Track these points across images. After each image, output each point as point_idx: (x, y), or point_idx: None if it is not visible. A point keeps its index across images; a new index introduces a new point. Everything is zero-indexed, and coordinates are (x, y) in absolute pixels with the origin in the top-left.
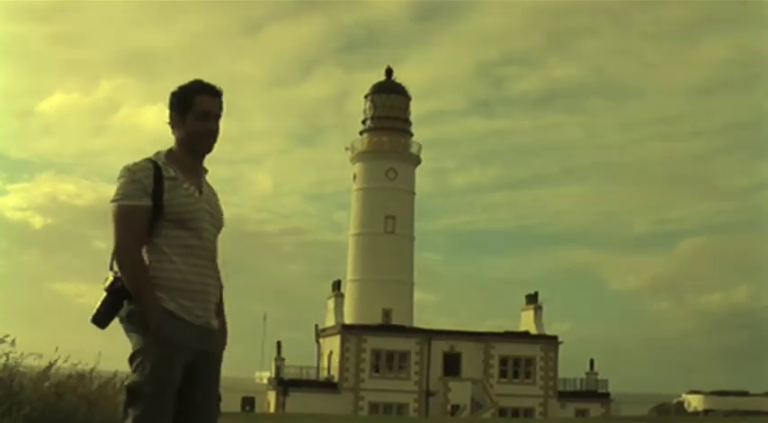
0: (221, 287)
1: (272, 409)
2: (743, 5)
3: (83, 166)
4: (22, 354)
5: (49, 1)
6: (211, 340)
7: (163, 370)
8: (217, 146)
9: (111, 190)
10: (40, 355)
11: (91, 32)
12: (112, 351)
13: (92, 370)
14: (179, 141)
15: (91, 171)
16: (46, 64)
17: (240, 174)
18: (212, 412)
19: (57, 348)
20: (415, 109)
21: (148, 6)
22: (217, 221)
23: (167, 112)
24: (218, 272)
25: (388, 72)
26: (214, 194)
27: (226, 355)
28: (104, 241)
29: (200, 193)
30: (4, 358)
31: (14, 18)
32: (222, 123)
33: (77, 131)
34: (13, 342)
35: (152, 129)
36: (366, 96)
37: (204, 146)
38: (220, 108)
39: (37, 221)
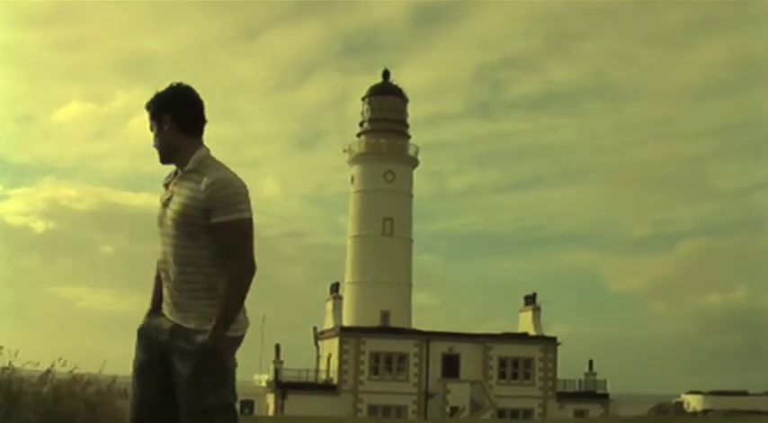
0: (185, 285)
1: (270, 412)
2: (739, 8)
3: (84, 171)
4: (16, 353)
5: (48, 7)
6: (171, 337)
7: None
8: (216, 149)
9: (112, 194)
10: (38, 363)
11: (90, 38)
12: (113, 356)
13: (91, 374)
14: None
15: (92, 175)
16: (46, 69)
17: (240, 177)
18: (181, 406)
19: (58, 357)
20: (414, 112)
21: (148, 12)
22: (167, 220)
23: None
24: (176, 273)
25: (385, 74)
26: (179, 193)
27: None
28: (109, 246)
29: (167, 197)
30: (4, 363)
31: (14, 24)
32: (222, 127)
33: (78, 136)
34: (13, 352)
35: (149, 134)
36: (363, 98)
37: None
38: (151, 120)
39: (38, 226)
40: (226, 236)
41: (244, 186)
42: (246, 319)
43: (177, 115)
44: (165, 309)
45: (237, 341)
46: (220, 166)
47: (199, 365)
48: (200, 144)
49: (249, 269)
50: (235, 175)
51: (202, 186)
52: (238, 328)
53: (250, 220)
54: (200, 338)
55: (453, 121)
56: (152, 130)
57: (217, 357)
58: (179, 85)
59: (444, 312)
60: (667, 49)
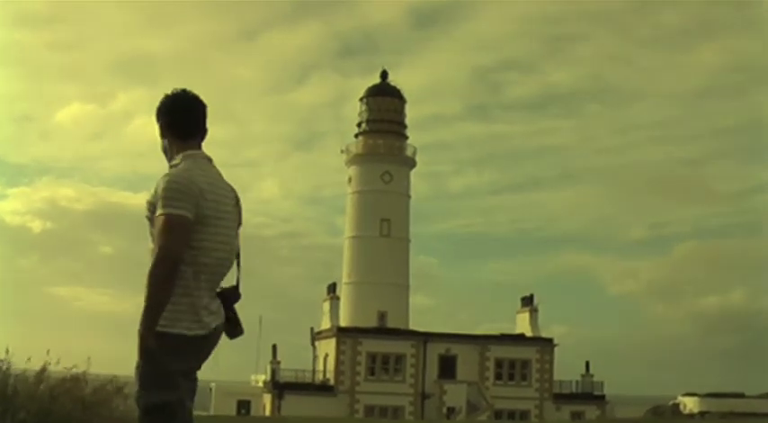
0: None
1: (267, 413)
2: (737, 11)
3: (82, 171)
4: (8, 351)
5: (46, 7)
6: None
7: None
8: (214, 150)
9: (110, 194)
10: (38, 360)
11: (89, 39)
12: (111, 356)
13: (86, 373)
14: None
15: (90, 175)
16: (44, 69)
17: (238, 178)
18: None
19: (48, 351)
20: (412, 113)
21: (146, 13)
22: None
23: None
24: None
25: (383, 75)
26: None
27: (222, 359)
28: (107, 246)
29: None
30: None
31: (13, 24)
32: (220, 128)
33: (76, 136)
34: (7, 350)
35: (148, 134)
36: (361, 99)
37: None
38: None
39: (36, 226)
40: (156, 230)
41: (184, 183)
42: (203, 320)
43: (168, 121)
44: None
45: (178, 339)
46: (185, 165)
47: (136, 365)
48: (191, 147)
49: (161, 264)
50: (187, 172)
51: (156, 185)
52: (174, 326)
53: (176, 217)
54: None
55: (451, 122)
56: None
57: (142, 358)
58: (176, 92)
59: (441, 313)
60: (665, 51)
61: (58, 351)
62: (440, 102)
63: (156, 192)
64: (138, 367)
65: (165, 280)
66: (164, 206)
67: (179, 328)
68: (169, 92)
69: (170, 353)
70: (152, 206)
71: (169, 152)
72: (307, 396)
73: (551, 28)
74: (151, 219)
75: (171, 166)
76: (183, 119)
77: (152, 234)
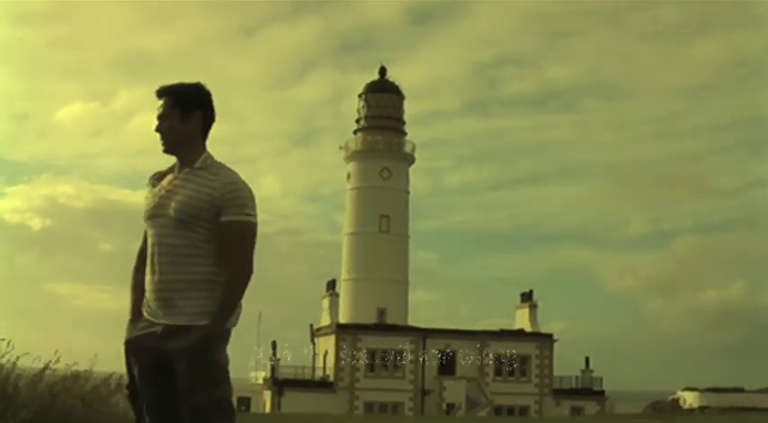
0: (172, 281)
1: (267, 409)
2: (735, 7)
3: (81, 169)
4: (10, 350)
5: (47, 5)
6: (162, 339)
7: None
8: (214, 146)
9: (110, 191)
10: (38, 357)
11: (89, 36)
12: (108, 352)
13: (86, 370)
14: None
15: (90, 173)
16: (44, 67)
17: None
18: (180, 406)
19: (56, 351)
20: (411, 109)
21: (147, 11)
22: (169, 211)
23: None
24: (170, 265)
25: (382, 71)
26: (186, 187)
27: None
28: (106, 243)
29: (167, 190)
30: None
31: (14, 22)
32: (219, 125)
33: (76, 134)
34: (8, 344)
35: (147, 132)
36: (360, 95)
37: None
38: (163, 107)
39: (35, 223)
40: (230, 235)
41: (250, 189)
42: (238, 313)
43: (206, 115)
44: (148, 310)
45: (226, 335)
46: (230, 169)
47: (190, 364)
48: (206, 146)
49: (246, 272)
50: (244, 181)
51: (217, 184)
52: (230, 322)
53: (256, 226)
54: (191, 336)
55: (450, 118)
56: (165, 118)
57: (206, 354)
58: (204, 85)
59: (441, 309)
60: (664, 47)
61: (58, 348)
62: (438, 98)
63: (218, 193)
64: (193, 365)
65: (244, 290)
66: (246, 214)
67: (230, 324)
68: (178, 81)
69: (224, 348)
70: (209, 205)
71: (188, 144)
72: (306, 393)
73: (550, 24)
74: (194, 216)
75: (199, 164)
76: (214, 117)
77: (178, 226)
